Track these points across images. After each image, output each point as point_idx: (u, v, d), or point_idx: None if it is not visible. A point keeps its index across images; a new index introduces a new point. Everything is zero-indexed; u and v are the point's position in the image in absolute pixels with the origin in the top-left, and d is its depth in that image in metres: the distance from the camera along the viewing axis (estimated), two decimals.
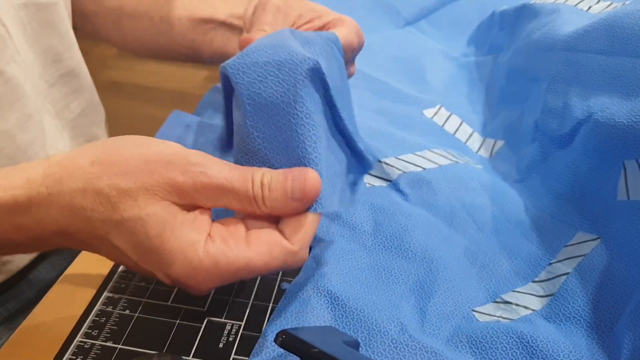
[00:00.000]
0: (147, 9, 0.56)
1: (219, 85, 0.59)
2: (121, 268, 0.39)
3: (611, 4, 0.49)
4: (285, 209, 0.31)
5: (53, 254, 0.53)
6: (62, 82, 0.53)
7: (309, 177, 0.31)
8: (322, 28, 0.47)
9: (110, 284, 0.38)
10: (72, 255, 0.49)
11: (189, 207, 0.30)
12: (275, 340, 0.26)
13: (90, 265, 0.39)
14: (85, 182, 0.29)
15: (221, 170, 0.30)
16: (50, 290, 0.38)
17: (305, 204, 0.31)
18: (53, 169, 0.30)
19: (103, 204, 0.29)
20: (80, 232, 0.30)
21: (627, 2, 0.46)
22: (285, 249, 0.30)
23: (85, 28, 0.59)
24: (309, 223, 0.31)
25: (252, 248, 0.30)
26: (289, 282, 0.38)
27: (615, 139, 0.38)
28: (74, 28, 0.55)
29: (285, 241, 0.31)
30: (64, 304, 0.37)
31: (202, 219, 0.30)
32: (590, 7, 0.50)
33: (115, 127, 0.62)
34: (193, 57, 0.57)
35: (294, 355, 0.26)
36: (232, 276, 0.30)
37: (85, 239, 0.30)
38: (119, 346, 0.33)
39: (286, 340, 0.26)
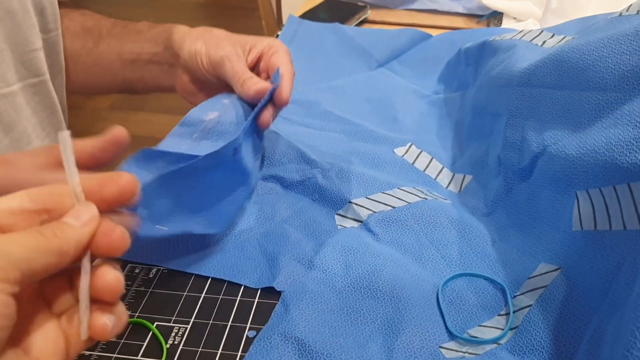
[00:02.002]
0: (80, 52, 0.58)
1: None
2: None
3: (564, 37, 0.51)
4: None
5: None
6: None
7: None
8: (260, 59, 0.51)
9: None
10: None
11: None
12: None
13: None
14: None
15: None
16: None
17: None
18: None
19: None
20: None
21: (575, 37, 0.48)
22: None
23: None
24: None
25: None
26: (259, 330, 0.38)
27: (567, 170, 0.39)
28: None
29: None
30: None
31: None
32: (544, 42, 0.52)
33: None
34: (129, 91, 0.61)
35: None
36: None
37: None
38: None
39: None
